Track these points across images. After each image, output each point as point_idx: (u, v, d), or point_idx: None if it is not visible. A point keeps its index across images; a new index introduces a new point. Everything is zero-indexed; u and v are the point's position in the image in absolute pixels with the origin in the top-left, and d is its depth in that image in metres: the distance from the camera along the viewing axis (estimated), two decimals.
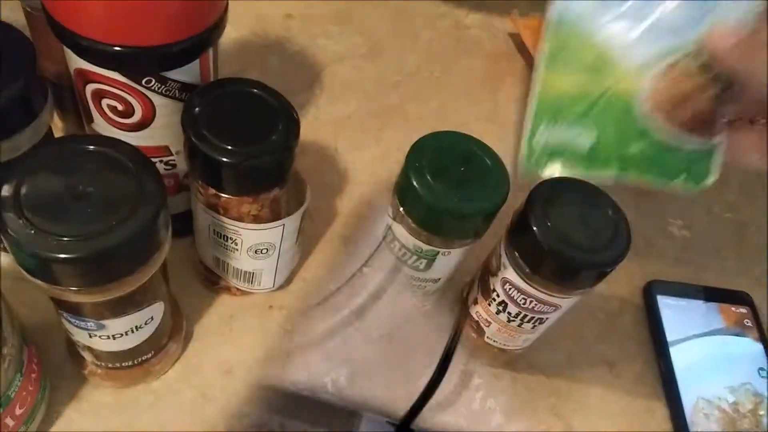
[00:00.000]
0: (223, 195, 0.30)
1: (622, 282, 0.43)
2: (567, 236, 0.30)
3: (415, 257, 0.34)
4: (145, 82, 0.29)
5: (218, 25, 0.30)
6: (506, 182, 0.32)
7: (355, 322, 0.33)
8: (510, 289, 0.33)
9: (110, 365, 0.31)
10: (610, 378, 0.39)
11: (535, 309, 0.33)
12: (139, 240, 0.24)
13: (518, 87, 0.53)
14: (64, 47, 0.29)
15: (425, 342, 0.34)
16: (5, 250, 0.32)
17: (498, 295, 0.34)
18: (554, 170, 0.32)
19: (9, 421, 0.27)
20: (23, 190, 0.24)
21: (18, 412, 0.28)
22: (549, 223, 0.30)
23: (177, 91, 0.30)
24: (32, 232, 0.23)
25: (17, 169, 0.24)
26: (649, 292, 0.43)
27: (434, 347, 0.33)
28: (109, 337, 0.28)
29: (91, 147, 0.26)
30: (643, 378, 0.39)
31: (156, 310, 0.30)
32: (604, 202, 0.32)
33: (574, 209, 0.31)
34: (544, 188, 0.31)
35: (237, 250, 0.33)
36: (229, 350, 0.35)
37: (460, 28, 0.57)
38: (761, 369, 0.40)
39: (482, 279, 0.35)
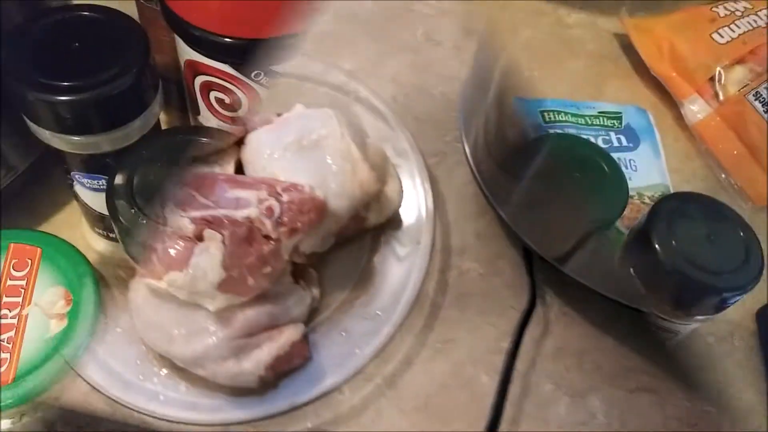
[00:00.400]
0: None
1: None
2: (693, 256, 0.27)
3: None
4: (255, 76, 0.29)
5: None
6: (625, 192, 0.29)
7: (387, 392, 0.30)
8: None
9: None
10: (716, 407, 0.35)
11: None
12: None
13: (625, 90, 0.49)
14: (176, 38, 0.29)
15: (464, 409, 0.31)
16: (108, 237, 0.33)
17: None
18: None
19: None
20: (135, 180, 0.24)
21: None
22: (673, 241, 0.27)
23: None
24: (144, 221, 0.23)
25: (130, 159, 0.24)
26: (763, 317, 0.39)
27: (474, 414, 0.30)
28: None
29: (200, 138, 0.26)
30: (754, 411, 0.36)
31: None
32: (733, 220, 0.29)
33: (700, 227, 0.28)
34: (669, 203, 0.29)
35: None
36: None
37: (563, 26, 0.54)
38: None
39: None
